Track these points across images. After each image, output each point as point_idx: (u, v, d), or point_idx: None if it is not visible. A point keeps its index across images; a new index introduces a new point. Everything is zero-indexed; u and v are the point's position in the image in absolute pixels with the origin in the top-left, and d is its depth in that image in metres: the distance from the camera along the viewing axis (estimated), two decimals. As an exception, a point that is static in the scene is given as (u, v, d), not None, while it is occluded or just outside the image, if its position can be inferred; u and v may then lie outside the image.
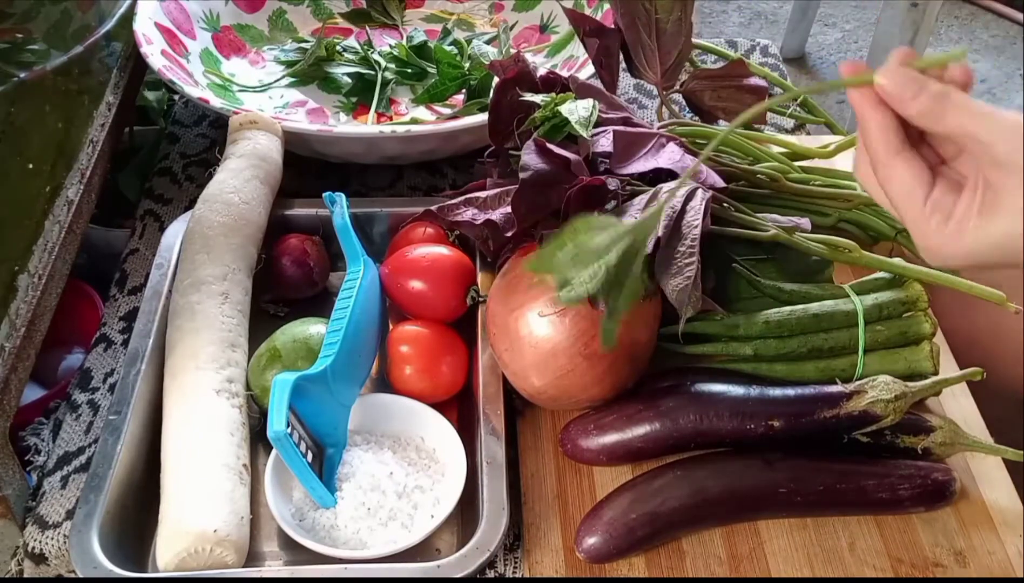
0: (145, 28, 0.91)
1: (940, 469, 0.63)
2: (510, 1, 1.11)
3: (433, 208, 0.70)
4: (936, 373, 0.67)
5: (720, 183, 0.68)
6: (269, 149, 0.79)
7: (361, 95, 0.97)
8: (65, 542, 0.62)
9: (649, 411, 0.64)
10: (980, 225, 0.43)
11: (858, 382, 0.63)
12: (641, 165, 0.67)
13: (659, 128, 0.73)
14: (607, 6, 0.98)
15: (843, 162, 0.87)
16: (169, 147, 0.95)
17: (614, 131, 0.67)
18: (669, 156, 0.68)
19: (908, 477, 0.62)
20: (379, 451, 0.65)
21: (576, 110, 0.67)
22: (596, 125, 0.68)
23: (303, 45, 1.04)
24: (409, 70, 0.99)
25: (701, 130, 0.78)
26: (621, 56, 0.78)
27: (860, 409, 0.62)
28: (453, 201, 0.69)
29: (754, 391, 0.64)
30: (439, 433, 0.66)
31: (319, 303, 0.77)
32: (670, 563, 0.61)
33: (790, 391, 0.64)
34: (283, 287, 0.76)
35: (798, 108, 0.91)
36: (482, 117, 0.78)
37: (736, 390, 0.64)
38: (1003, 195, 0.42)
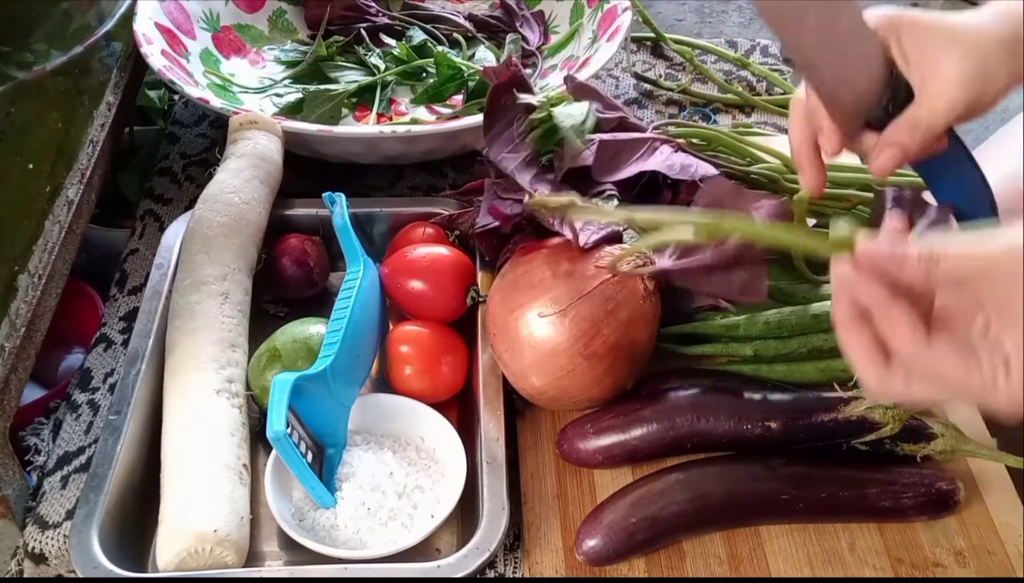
0: (145, 28, 0.91)
1: (944, 478, 0.62)
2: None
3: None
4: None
5: (712, 172, 0.68)
6: (269, 149, 0.79)
7: (361, 96, 0.97)
8: (65, 542, 0.62)
9: (645, 411, 0.64)
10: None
11: (856, 390, 0.63)
12: (629, 171, 0.66)
13: (653, 129, 0.73)
14: (607, 6, 0.98)
15: (842, 162, 0.87)
16: (169, 147, 0.95)
17: (600, 141, 0.67)
18: (658, 159, 0.68)
19: (912, 485, 0.62)
20: (379, 451, 0.65)
21: (570, 115, 0.67)
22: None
23: (303, 45, 1.04)
24: (409, 70, 0.99)
25: (697, 131, 0.78)
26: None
27: (858, 414, 0.62)
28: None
29: (751, 393, 0.64)
30: (439, 433, 0.66)
31: (319, 303, 0.77)
32: (670, 563, 0.61)
33: (787, 394, 0.64)
34: (283, 287, 0.76)
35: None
36: (482, 117, 0.78)
37: (733, 391, 0.64)
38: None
